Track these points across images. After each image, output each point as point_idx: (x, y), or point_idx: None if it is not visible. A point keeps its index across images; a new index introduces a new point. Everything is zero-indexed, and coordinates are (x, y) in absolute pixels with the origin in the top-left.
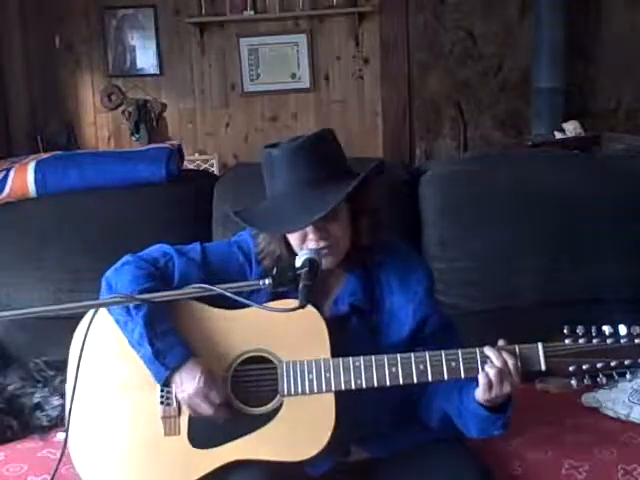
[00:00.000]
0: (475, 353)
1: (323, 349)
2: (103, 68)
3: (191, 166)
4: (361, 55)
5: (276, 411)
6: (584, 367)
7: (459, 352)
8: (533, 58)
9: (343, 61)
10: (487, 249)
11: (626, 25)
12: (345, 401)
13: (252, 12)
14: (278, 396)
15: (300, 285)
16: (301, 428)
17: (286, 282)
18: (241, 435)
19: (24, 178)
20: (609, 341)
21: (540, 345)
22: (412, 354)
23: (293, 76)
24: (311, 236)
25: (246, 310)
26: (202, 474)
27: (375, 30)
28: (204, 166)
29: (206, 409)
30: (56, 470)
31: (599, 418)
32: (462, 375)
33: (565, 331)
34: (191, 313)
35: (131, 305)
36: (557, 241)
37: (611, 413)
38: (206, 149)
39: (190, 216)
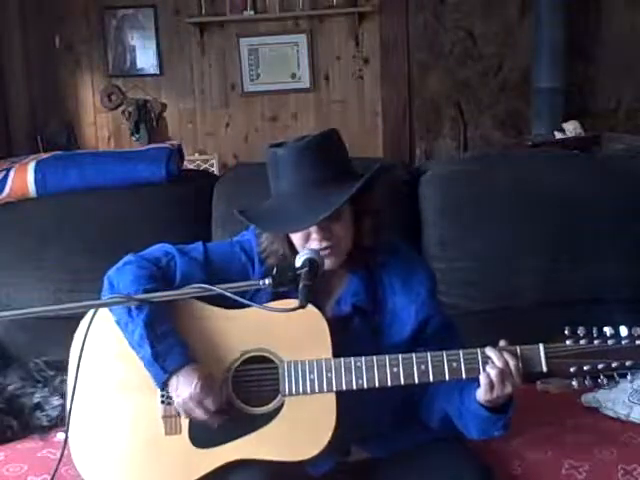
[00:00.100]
0: (476, 354)
1: (324, 349)
2: (103, 68)
3: (191, 166)
4: (361, 55)
5: (277, 411)
6: (585, 368)
7: (460, 353)
8: (533, 58)
9: (343, 61)
10: (487, 249)
11: (626, 25)
12: (346, 401)
13: (252, 12)
14: (279, 396)
15: (300, 285)
16: (302, 428)
17: (286, 282)
18: (242, 435)
19: (24, 178)
20: (610, 342)
21: (541, 346)
22: (413, 354)
23: (293, 76)
24: (314, 236)
25: (247, 310)
26: (203, 473)
27: (375, 30)
28: (204, 166)
29: (200, 414)
30: (56, 470)
31: (599, 418)
32: (463, 375)
33: (566, 332)
34: (192, 313)
35: (132, 306)
36: (557, 241)
37: (611, 413)
38: (206, 149)
39: (190, 216)
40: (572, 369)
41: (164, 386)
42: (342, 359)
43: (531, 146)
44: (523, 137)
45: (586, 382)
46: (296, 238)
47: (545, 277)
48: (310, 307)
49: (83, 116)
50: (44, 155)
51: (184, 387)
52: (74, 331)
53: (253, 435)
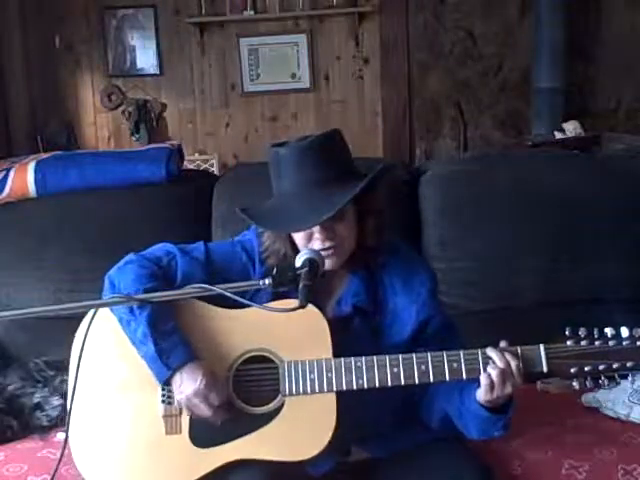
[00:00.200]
0: (477, 354)
1: (325, 349)
2: (103, 68)
3: (191, 166)
4: (361, 55)
5: (277, 411)
6: (586, 369)
7: (461, 353)
8: (533, 58)
9: (343, 61)
10: (487, 249)
11: (626, 25)
12: (346, 401)
13: (252, 12)
14: (279, 396)
15: (300, 285)
16: (302, 428)
17: (286, 282)
18: (242, 434)
19: (24, 178)
20: (611, 343)
21: (542, 347)
22: (414, 355)
23: (293, 76)
24: (317, 236)
25: (248, 310)
26: (203, 473)
27: (375, 30)
28: (204, 166)
29: (204, 410)
30: (56, 470)
31: (599, 418)
32: (464, 376)
33: (567, 333)
34: (193, 312)
35: (134, 304)
36: (557, 241)
37: (611, 413)
38: (206, 149)
39: (190, 216)
40: (573, 370)
41: (167, 383)
42: (342, 359)
43: (531, 146)
44: (523, 137)
45: (587, 383)
46: (298, 238)
47: (545, 277)
48: (310, 307)
49: (83, 116)
50: (44, 155)
51: (188, 383)
52: (74, 331)
53: (253, 435)
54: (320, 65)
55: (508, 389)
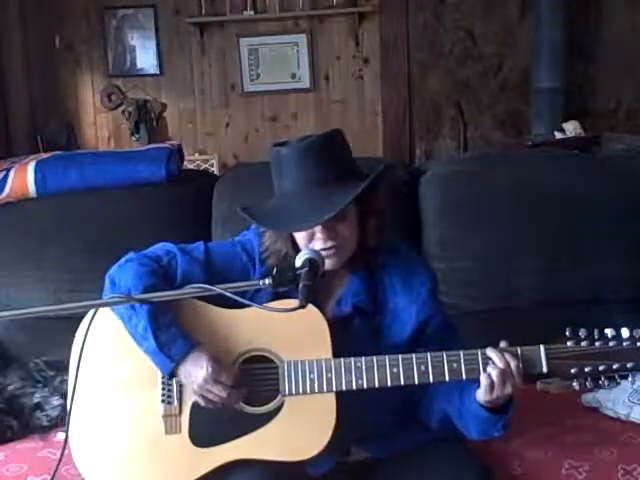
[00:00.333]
0: (477, 354)
1: (325, 349)
2: (103, 68)
3: (191, 166)
4: (361, 55)
5: (277, 411)
6: (586, 370)
7: (461, 353)
8: (533, 58)
9: (343, 61)
10: (487, 249)
11: (626, 25)
12: (346, 401)
13: (252, 12)
14: (279, 396)
15: (300, 285)
16: (302, 428)
17: (286, 282)
18: (242, 434)
19: (24, 178)
20: (612, 344)
21: (542, 347)
22: (413, 355)
23: (293, 76)
24: (319, 235)
25: (248, 310)
26: (202, 473)
27: (375, 30)
28: (204, 166)
29: (220, 392)
30: (56, 470)
31: (599, 418)
32: (463, 376)
33: (567, 333)
34: (193, 312)
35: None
36: (557, 241)
37: (611, 413)
38: (206, 149)
39: (190, 216)
40: (573, 370)
41: (172, 376)
42: (342, 359)
43: (531, 146)
44: (523, 137)
45: (587, 383)
46: (300, 238)
47: (545, 277)
48: (310, 307)
49: (83, 116)
50: (44, 155)
51: (195, 371)
52: (74, 331)
53: (253, 435)
54: (320, 65)
55: (508, 389)
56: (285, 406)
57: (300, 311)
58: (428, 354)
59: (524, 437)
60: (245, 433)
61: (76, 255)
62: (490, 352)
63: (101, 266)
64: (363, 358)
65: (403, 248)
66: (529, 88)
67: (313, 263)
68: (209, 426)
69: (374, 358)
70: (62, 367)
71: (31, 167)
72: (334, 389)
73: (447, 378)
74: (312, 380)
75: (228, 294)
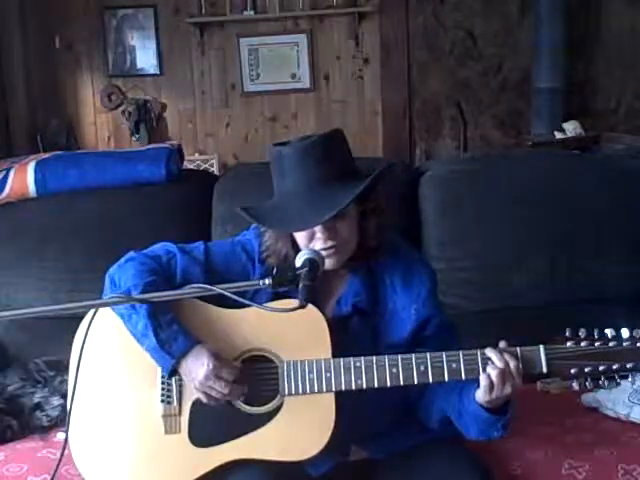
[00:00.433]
0: (476, 354)
1: (324, 349)
2: (103, 68)
3: (191, 166)
4: (361, 55)
5: (276, 411)
6: (586, 370)
7: (460, 353)
8: (533, 58)
9: (343, 61)
10: (487, 249)
11: (626, 25)
12: (345, 401)
13: (252, 12)
14: (278, 396)
15: (300, 285)
16: (301, 428)
17: (286, 282)
18: (241, 434)
19: (24, 178)
20: (611, 344)
21: (542, 347)
22: (413, 355)
23: (293, 76)
24: (319, 235)
25: (248, 310)
26: (202, 473)
27: (375, 30)
28: (204, 166)
29: (222, 389)
30: (56, 470)
31: (599, 418)
32: (463, 376)
33: (567, 334)
34: (193, 312)
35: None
36: (557, 241)
37: (611, 413)
38: (206, 149)
39: (190, 216)
40: (573, 371)
41: (174, 373)
42: (341, 359)
43: (531, 146)
44: (523, 137)
45: (587, 384)
46: (300, 237)
47: (545, 277)
48: (310, 307)
49: (83, 116)
50: (44, 155)
51: (196, 368)
52: (74, 331)
53: (252, 435)
54: (320, 65)
55: (507, 390)
56: (284, 406)
57: (300, 311)
58: (427, 354)
59: (524, 437)
60: (244, 433)
61: (76, 255)
62: (489, 352)
63: (101, 266)
64: (362, 358)
65: (403, 247)
66: (529, 88)
67: (313, 263)
68: (209, 426)
69: (373, 358)
70: (62, 367)
71: (31, 167)
72: (333, 389)
73: (446, 378)
74: (311, 380)
75: (228, 294)
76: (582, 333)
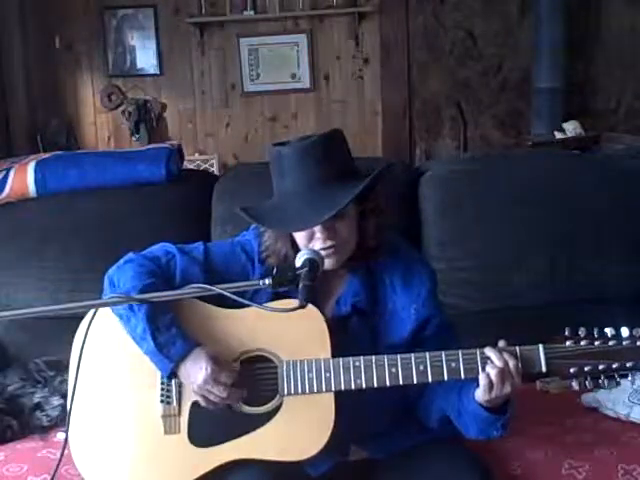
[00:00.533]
0: (475, 354)
1: (324, 349)
2: (103, 68)
3: (191, 166)
4: (361, 55)
5: (276, 410)
6: (586, 369)
7: (459, 353)
8: (533, 58)
9: (343, 61)
10: (487, 249)
11: (626, 25)
12: (345, 401)
13: (252, 12)
14: (278, 395)
15: (300, 285)
16: (301, 428)
17: (286, 282)
18: (241, 434)
19: (24, 178)
20: (611, 343)
21: (541, 347)
22: (412, 354)
23: (293, 76)
24: (318, 235)
25: (247, 310)
26: (202, 473)
27: (375, 30)
28: (204, 166)
29: (219, 393)
30: (56, 470)
31: (599, 418)
32: (462, 376)
33: (566, 333)
34: (193, 312)
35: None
36: (557, 241)
37: (611, 413)
38: (206, 149)
39: (190, 216)
40: (572, 370)
41: (173, 376)
42: (341, 359)
43: (531, 146)
44: (523, 137)
45: (587, 383)
46: (299, 237)
47: (545, 277)
48: (310, 307)
49: (83, 116)
50: (44, 155)
51: (195, 372)
52: (74, 331)
53: (252, 435)
54: (320, 65)
55: (507, 389)
56: (284, 406)
57: (299, 311)
58: (427, 354)
59: (524, 437)
60: (244, 433)
61: (76, 255)
62: (489, 351)
63: (101, 266)
64: (362, 358)
65: (403, 247)
66: (529, 88)
67: (313, 263)
68: (208, 426)
69: (373, 358)
70: (62, 367)
71: (31, 167)
72: (333, 389)
73: (446, 378)
74: (311, 380)
75: (228, 294)
76: (582, 332)
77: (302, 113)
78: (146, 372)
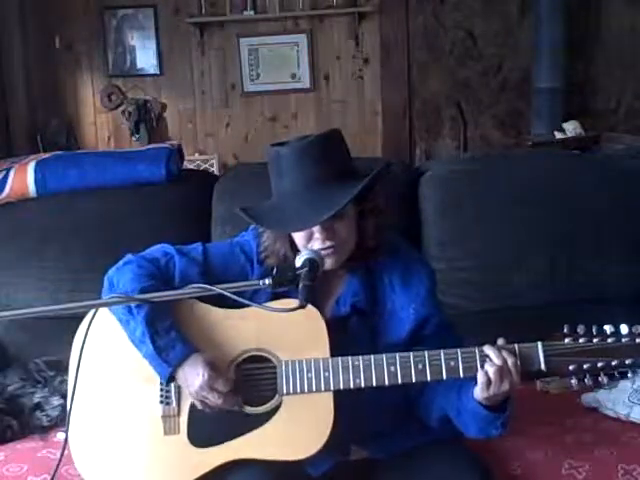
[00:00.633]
0: (474, 352)
1: (323, 349)
2: (103, 68)
3: (191, 166)
4: (361, 55)
5: (275, 410)
6: (585, 366)
7: (458, 351)
8: (533, 58)
9: (343, 61)
10: (487, 249)
11: (626, 25)
12: (344, 400)
13: (252, 12)
14: (277, 395)
15: (300, 285)
16: (300, 427)
17: (286, 282)
18: (240, 434)
19: (24, 178)
20: (610, 340)
21: (540, 344)
22: (411, 353)
23: (293, 76)
24: (317, 235)
25: (247, 310)
26: (202, 473)
27: (375, 30)
28: (204, 166)
29: (216, 399)
30: (56, 470)
31: (599, 418)
32: (461, 374)
33: (565, 330)
34: (192, 312)
35: (132, 304)
36: (557, 241)
37: (611, 413)
38: (206, 149)
39: (190, 216)
40: (571, 367)
41: (171, 380)
42: (340, 358)
43: (531, 146)
44: (523, 137)
45: (586, 381)
46: (298, 237)
47: (545, 277)
48: (309, 307)
49: (83, 116)
50: (44, 155)
51: (192, 377)
52: (74, 331)
53: (251, 434)
54: (320, 65)
55: (505, 387)
56: (283, 405)
57: (299, 311)
58: (425, 352)
59: (524, 437)
60: (244, 433)
61: (76, 255)
62: (487, 349)
63: (101, 266)
64: (361, 357)
65: (403, 246)
66: (529, 88)
67: (313, 263)
68: (208, 426)
69: (371, 357)
70: (62, 367)
71: (31, 167)
72: (332, 388)
73: (445, 376)
74: (310, 379)
75: (228, 294)
76: (580, 330)
77: (302, 113)
78: (145, 373)
